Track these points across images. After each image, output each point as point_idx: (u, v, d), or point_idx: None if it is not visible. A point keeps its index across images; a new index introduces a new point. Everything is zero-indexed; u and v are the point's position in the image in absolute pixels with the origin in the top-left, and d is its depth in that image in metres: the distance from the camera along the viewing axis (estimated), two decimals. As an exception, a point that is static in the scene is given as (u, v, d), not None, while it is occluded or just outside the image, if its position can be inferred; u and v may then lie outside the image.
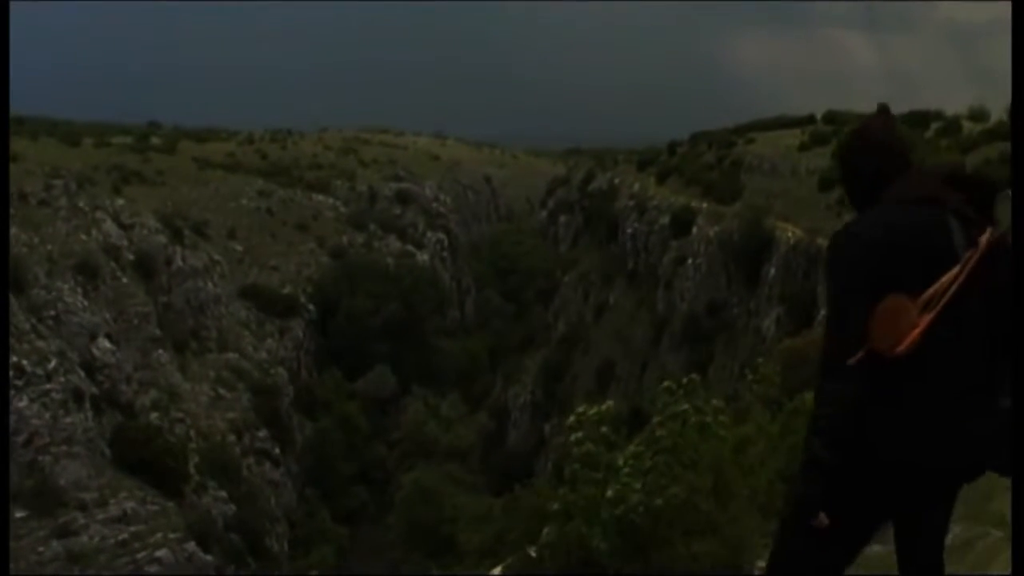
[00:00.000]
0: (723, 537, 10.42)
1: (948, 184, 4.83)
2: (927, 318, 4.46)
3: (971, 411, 4.61)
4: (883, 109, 4.82)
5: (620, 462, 12.11)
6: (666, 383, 13.14)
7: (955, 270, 4.53)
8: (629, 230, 73.38)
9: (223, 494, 52.15)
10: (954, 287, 4.51)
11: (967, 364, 4.63)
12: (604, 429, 13.03)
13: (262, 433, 61.68)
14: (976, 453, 4.66)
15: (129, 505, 43.65)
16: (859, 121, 5.17)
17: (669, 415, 12.35)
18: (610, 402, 14.22)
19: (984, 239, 4.61)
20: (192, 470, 50.60)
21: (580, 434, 12.96)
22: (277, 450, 62.83)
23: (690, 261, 61.41)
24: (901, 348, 4.44)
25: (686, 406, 12.35)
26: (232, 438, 58.16)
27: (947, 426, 4.57)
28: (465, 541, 40.13)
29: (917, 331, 4.44)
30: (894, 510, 4.87)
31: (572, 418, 13.42)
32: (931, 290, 4.49)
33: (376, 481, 70.71)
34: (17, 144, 63.49)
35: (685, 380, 13.13)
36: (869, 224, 4.70)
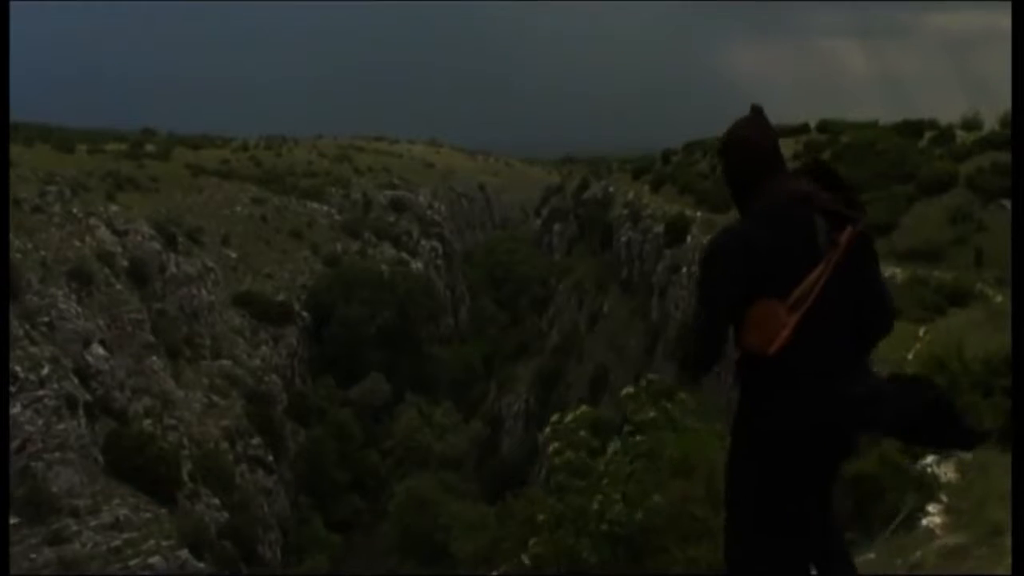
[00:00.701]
0: (719, 542, 10.44)
1: (815, 180, 5.15)
2: (795, 318, 4.83)
3: (839, 384, 4.95)
4: (756, 110, 5.09)
5: (600, 467, 12.09)
6: (626, 390, 13.12)
7: (820, 269, 4.87)
8: (623, 238, 73.37)
9: (216, 501, 52.06)
10: (819, 285, 4.86)
11: (833, 350, 4.99)
12: (583, 433, 13.01)
13: (255, 440, 61.59)
14: (849, 414, 4.98)
15: (122, 512, 43.60)
16: (732, 122, 5.37)
17: (639, 420, 12.34)
18: (584, 407, 14.19)
19: (844, 237, 4.92)
20: (185, 477, 50.50)
21: (557, 444, 12.94)
22: (270, 457, 62.73)
23: (684, 270, 61.35)
24: (772, 349, 4.83)
25: (652, 413, 12.34)
26: (225, 445, 58.04)
27: (820, 396, 4.91)
28: (459, 549, 40.09)
29: (786, 331, 4.82)
30: (807, 476, 5.14)
31: (548, 429, 13.41)
32: (798, 290, 4.84)
33: (370, 489, 70.67)
34: (11, 150, 63.44)
35: (645, 383, 13.11)
36: (742, 231, 5.02)
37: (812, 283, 4.86)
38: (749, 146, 5.24)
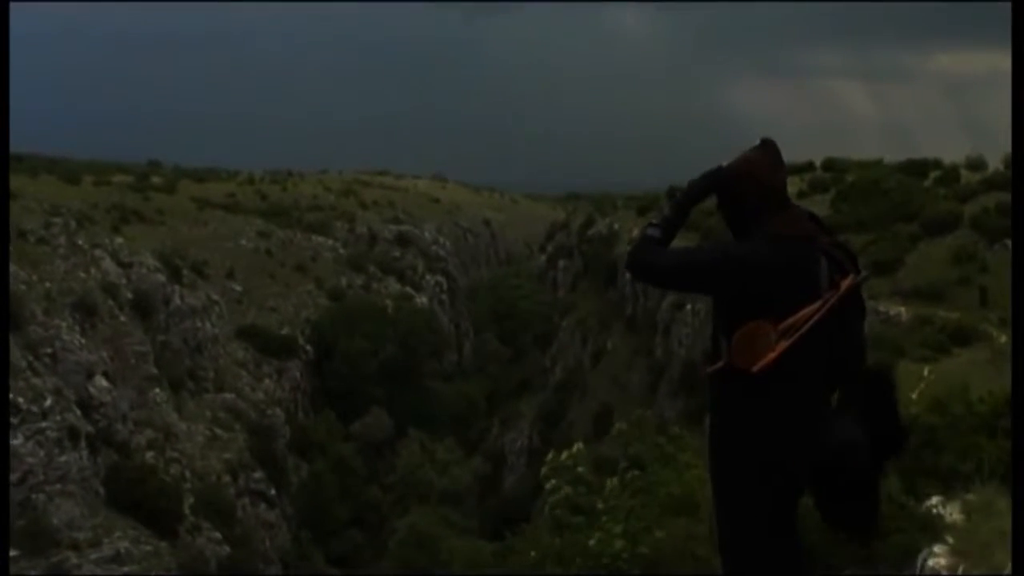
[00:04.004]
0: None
1: (817, 225, 5.42)
2: (783, 345, 5.02)
3: (813, 421, 5.24)
4: (768, 143, 5.35)
5: (600, 505, 12.05)
6: (616, 426, 13.11)
7: (815, 306, 5.09)
8: (628, 275, 73.33)
9: (217, 535, 51.82)
10: (812, 321, 5.06)
11: (807, 386, 5.22)
12: (580, 470, 12.97)
13: (257, 474, 61.37)
14: (821, 455, 5.23)
15: (123, 545, 43.41)
16: (744, 153, 5.55)
17: (631, 457, 12.32)
18: (579, 444, 14.16)
19: (845, 283, 5.20)
20: (187, 510, 50.35)
21: (553, 482, 12.90)
22: (272, 491, 62.48)
23: (689, 307, 61.36)
24: (756, 367, 5.00)
25: (642, 445, 12.31)
26: (227, 479, 57.88)
27: (794, 432, 5.19)
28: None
29: (773, 355, 5.01)
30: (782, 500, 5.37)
31: (545, 467, 13.36)
32: (791, 320, 5.04)
33: (371, 524, 70.33)
34: (17, 181, 63.60)
35: (634, 417, 13.09)
36: (754, 248, 5.23)
37: (806, 317, 5.05)
38: (762, 182, 5.40)
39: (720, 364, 5.19)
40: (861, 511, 5.45)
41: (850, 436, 5.30)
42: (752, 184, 5.40)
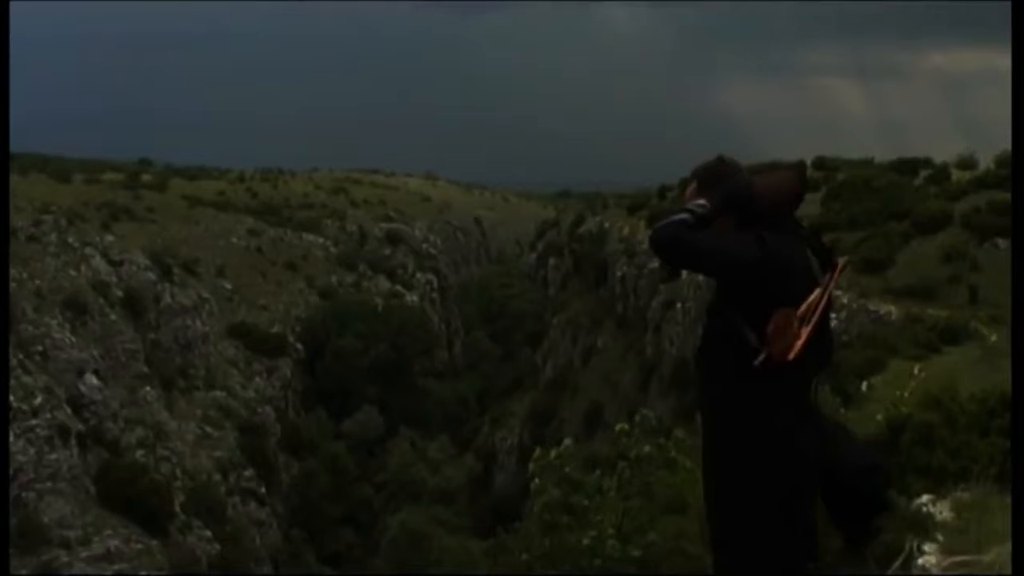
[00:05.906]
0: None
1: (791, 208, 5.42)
2: (806, 330, 5.07)
3: (811, 407, 5.37)
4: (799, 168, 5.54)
5: (587, 502, 11.99)
6: (619, 426, 13.04)
7: (818, 292, 5.17)
8: (618, 273, 73.41)
9: (208, 533, 51.69)
10: (822, 304, 5.15)
11: (811, 370, 5.33)
12: (567, 469, 12.90)
13: (248, 472, 61.26)
14: (825, 441, 5.42)
15: (113, 543, 43.33)
16: (716, 159, 5.58)
17: (633, 457, 12.24)
18: (567, 441, 14.09)
19: (841, 263, 5.34)
20: (177, 509, 50.24)
21: (537, 481, 12.82)
22: (263, 490, 62.38)
23: (679, 305, 61.35)
24: (792, 355, 5.04)
25: (647, 447, 12.25)
26: (218, 477, 57.78)
27: (807, 419, 5.29)
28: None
29: (802, 341, 5.05)
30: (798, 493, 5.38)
31: (532, 465, 13.26)
32: (804, 306, 5.09)
33: (362, 523, 70.26)
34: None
35: (638, 418, 13.03)
36: (768, 239, 5.16)
37: (815, 302, 5.14)
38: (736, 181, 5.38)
39: (763, 356, 5.10)
40: (866, 525, 5.63)
41: (870, 460, 5.71)
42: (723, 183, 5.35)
